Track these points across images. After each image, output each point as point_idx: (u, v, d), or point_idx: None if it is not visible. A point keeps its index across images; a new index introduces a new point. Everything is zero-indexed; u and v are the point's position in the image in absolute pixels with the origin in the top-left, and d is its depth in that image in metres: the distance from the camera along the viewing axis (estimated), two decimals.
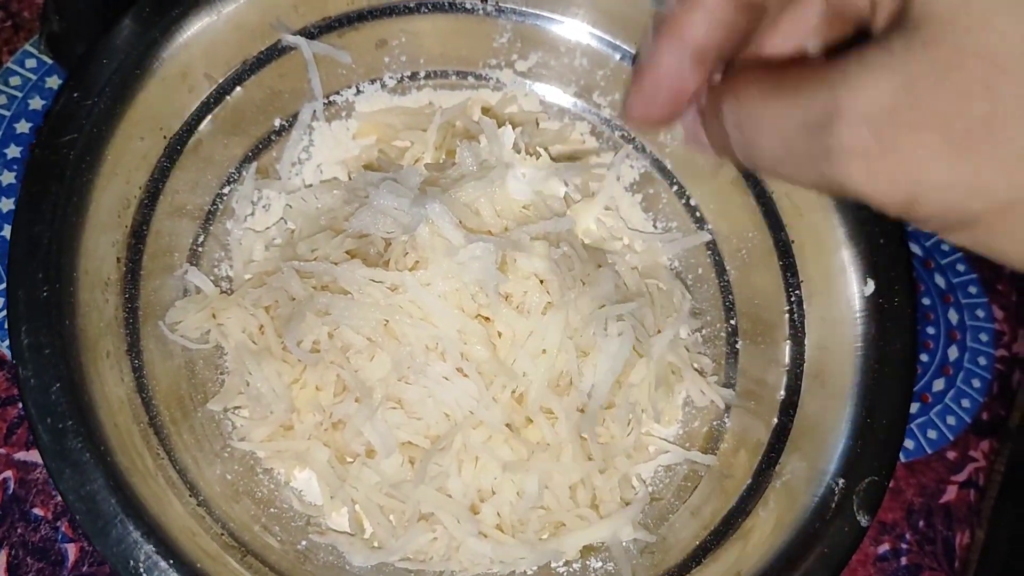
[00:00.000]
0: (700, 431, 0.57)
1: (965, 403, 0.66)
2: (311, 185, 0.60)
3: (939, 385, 0.67)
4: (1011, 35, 0.24)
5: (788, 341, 0.54)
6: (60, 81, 0.66)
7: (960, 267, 0.71)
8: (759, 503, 0.50)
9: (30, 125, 0.65)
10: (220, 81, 0.55)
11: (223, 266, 0.57)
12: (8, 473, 0.56)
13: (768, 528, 0.49)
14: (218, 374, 0.54)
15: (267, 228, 0.59)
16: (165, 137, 0.53)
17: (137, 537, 0.42)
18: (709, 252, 0.60)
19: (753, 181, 0.57)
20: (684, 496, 0.54)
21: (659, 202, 0.62)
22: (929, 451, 0.64)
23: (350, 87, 0.61)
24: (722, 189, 0.59)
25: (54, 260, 0.46)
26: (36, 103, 0.66)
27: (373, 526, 0.52)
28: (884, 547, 0.62)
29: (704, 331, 0.60)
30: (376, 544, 0.52)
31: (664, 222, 0.63)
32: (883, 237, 0.52)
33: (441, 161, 0.60)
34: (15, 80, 0.66)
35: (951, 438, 0.65)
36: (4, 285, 0.60)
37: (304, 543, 0.51)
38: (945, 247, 0.71)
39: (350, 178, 0.60)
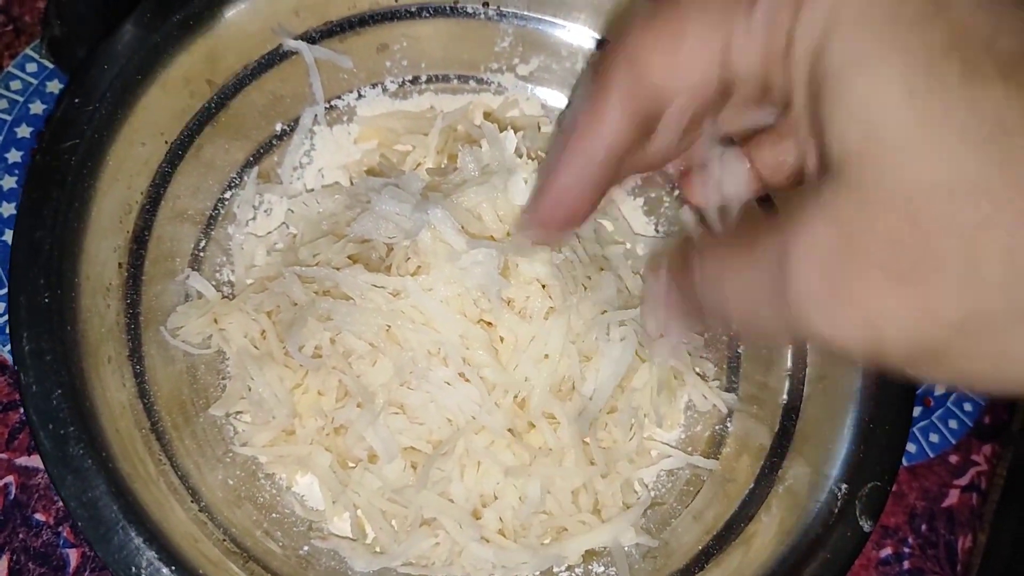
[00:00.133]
0: (702, 435, 0.57)
1: (967, 407, 0.66)
2: (312, 190, 0.60)
3: (941, 389, 0.67)
4: (918, 169, 0.25)
5: (790, 345, 0.54)
6: (61, 85, 0.66)
7: None
8: (761, 508, 0.50)
9: (31, 129, 0.65)
10: (221, 86, 0.55)
11: (225, 271, 0.57)
12: (9, 478, 0.56)
13: (771, 533, 0.49)
14: (220, 379, 0.54)
15: (269, 233, 0.59)
16: (166, 142, 0.53)
17: (139, 543, 0.42)
18: None
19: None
20: (686, 501, 0.54)
21: (661, 206, 0.62)
22: (931, 455, 0.64)
23: (351, 91, 0.61)
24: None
25: (55, 265, 0.46)
26: (37, 107, 0.66)
27: (375, 531, 0.52)
28: (886, 551, 0.62)
29: (706, 335, 0.60)
30: (378, 549, 0.52)
31: (666, 226, 0.62)
32: None
33: (443, 165, 0.60)
34: (16, 84, 0.66)
35: (953, 442, 0.65)
36: (5, 290, 0.60)
37: (306, 548, 0.51)
38: None
39: (352, 182, 0.60)
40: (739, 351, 0.58)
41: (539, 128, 0.63)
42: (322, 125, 0.60)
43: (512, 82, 0.62)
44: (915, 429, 0.65)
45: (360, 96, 0.61)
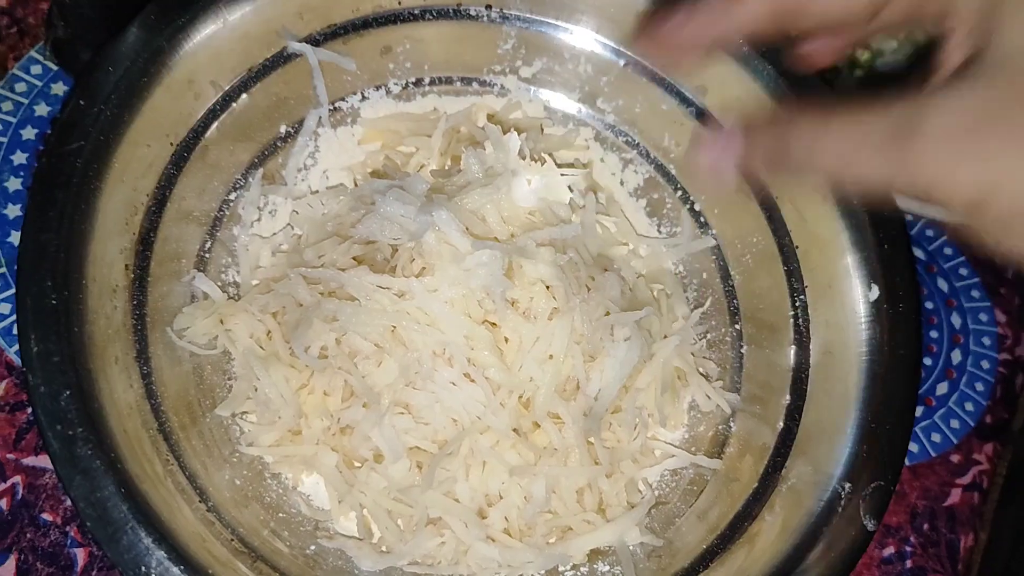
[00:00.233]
0: (706, 435, 0.57)
1: (968, 407, 0.66)
2: (317, 191, 0.61)
3: (942, 389, 0.67)
4: None
5: (793, 346, 0.55)
6: (66, 87, 0.66)
7: (963, 271, 0.71)
8: (765, 507, 0.51)
9: (36, 131, 0.65)
10: (226, 88, 0.55)
11: (230, 272, 0.57)
12: (17, 478, 0.56)
13: (774, 532, 0.49)
14: (226, 380, 0.55)
15: (274, 234, 0.59)
16: (172, 144, 0.53)
17: (148, 544, 0.42)
18: (714, 257, 0.60)
19: (757, 187, 0.57)
20: (690, 500, 0.55)
21: (663, 207, 0.63)
22: (933, 454, 0.65)
23: (355, 93, 0.61)
24: (726, 194, 0.59)
25: (62, 267, 0.46)
26: (42, 109, 0.66)
27: (381, 531, 0.52)
28: (888, 550, 0.62)
29: (709, 336, 0.60)
30: (384, 548, 0.52)
31: (669, 227, 0.63)
32: (887, 242, 0.52)
33: (446, 167, 0.60)
34: (21, 86, 0.66)
35: (955, 441, 0.65)
36: (12, 292, 0.60)
37: (313, 548, 0.51)
38: (948, 251, 0.71)
39: (356, 184, 0.61)
40: (742, 351, 0.58)
41: (542, 130, 0.63)
42: (326, 127, 0.61)
43: (515, 84, 0.63)
44: (917, 429, 0.65)
45: (364, 98, 0.61)
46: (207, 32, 0.53)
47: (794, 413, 0.53)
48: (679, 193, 0.62)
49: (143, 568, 0.42)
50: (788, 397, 0.54)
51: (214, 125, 0.55)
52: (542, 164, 0.57)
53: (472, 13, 0.59)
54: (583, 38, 0.60)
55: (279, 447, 0.53)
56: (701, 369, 0.58)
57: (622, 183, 0.64)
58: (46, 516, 0.55)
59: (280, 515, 0.52)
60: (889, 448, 0.49)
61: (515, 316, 0.51)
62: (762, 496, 0.51)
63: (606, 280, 0.54)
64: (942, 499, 0.64)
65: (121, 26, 0.51)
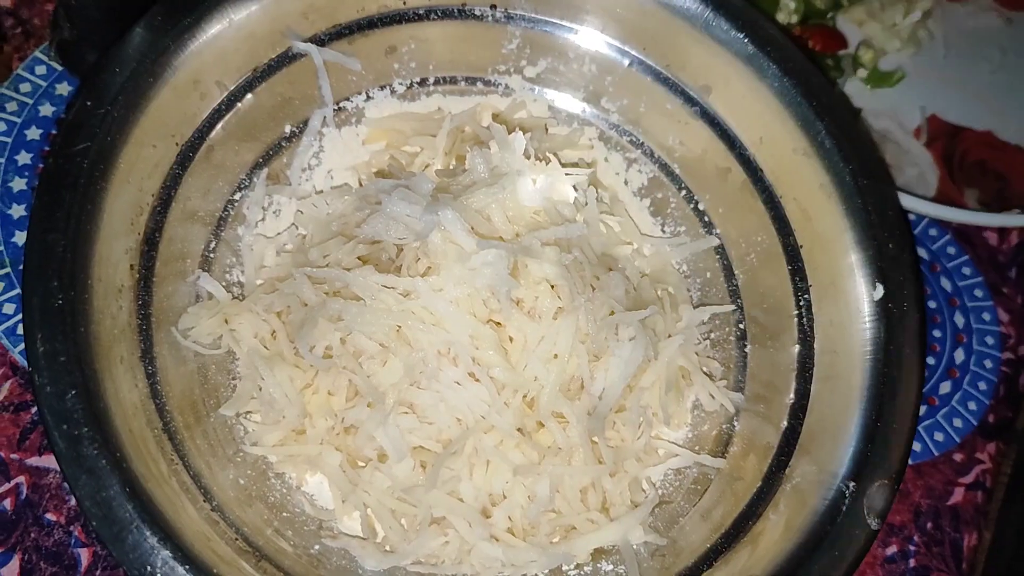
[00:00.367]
0: (709, 434, 0.57)
1: (972, 405, 0.66)
2: (322, 191, 0.61)
3: (946, 388, 0.67)
4: None
5: (797, 345, 0.55)
6: (70, 88, 0.67)
7: (966, 270, 0.71)
8: (769, 506, 0.51)
9: (40, 131, 0.65)
10: (231, 88, 0.55)
11: (235, 272, 0.57)
12: (21, 478, 0.56)
13: (778, 531, 0.49)
14: (230, 379, 0.55)
15: (278, 234, 0.59)
16: (177, 144, 0.53)
17: (153, 543, 0.42)
18: (718, 256, 0.60)
19: (761, 186, 0.57)
20: (694, 499, 0.55)
21: (667, 207, 0.63)
22: (936, 453, 0.65)
23: (360, 93, 0.61)
24: (730, 194, 0.59)
25: (68, 267, 0.46)
26: (46, 109, 0.66)
27: (385, 530, 0.52)
28: (892, 549, 0.62)
29: (713, 335, 0.60)
30: (388, 548, 0.52)
31: (673, 227, 0.63)
32: (891, 242, 0.52)
33: (451, 167, 0.60)
34: (26, 87, 0.66)
35: (958, 440, 0.65)
36: (17, 292, 0.60)
37: (317, 547, 0.51)
38: (951, 251, 0.71)
39: (361, 184, 0.61)
40: (746, 351, 0.58)
41: (546, 129, 0.63)
42: (331, 127, 0.61)
43: (519, 84, 0.63)
44: (920, 428, 0.65)
45: (368, 98, 0.62)
46: (212, 32, 0.53)
47: (798, 412, 0.53)
48: (683, 193, 0.62)
49: (148, 567, 0.42)
50: (792, 396, 0.54)
51: (219, 125, 0.55)
52: (547, 164, 0.57)
53: (477, 13, 0.59)
54: (588, 38, 0.60)
55: (283, 447, 0.53)
56: (705, 368, 0.58)
57: (626, 182, 0.64)
58: (50, 516, 0.56)
59: (284, 514, 0.52)
60: (893, 447, 0.49)
61: (520, 315, 0.51)
62: (766, 495, 0.51)
63: (611, 279, 0.54)
64: (945, 498, 0.64)
65: (126, 27, 0.51)
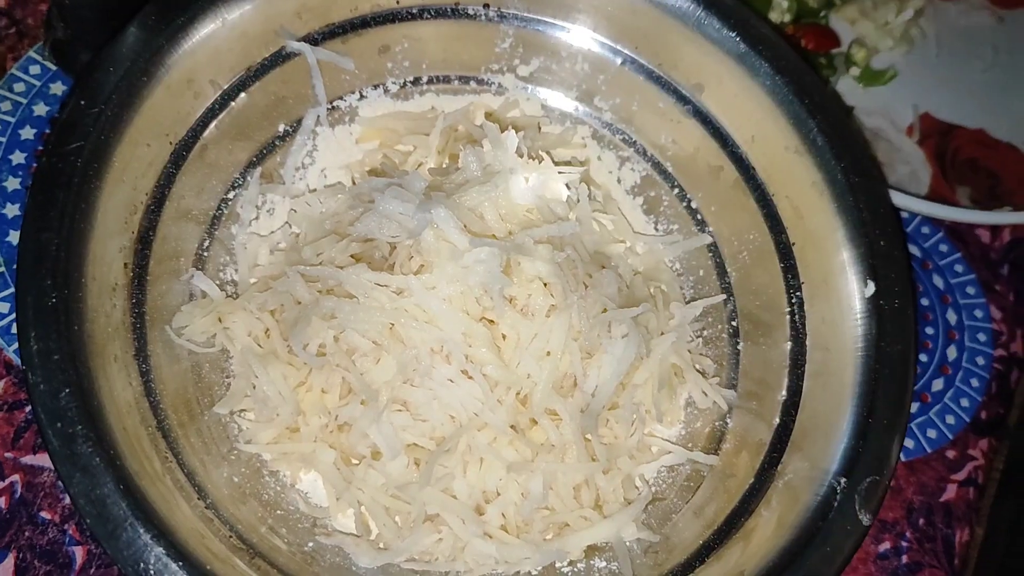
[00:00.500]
0: (702, 432, 0.57)
1: (964, 402, 0.67)
2: (315, 190, 0.61)
3: (938, 385, 0.67)
4: None
5: (789, 342, 0.55)
6: (64, 87, 0.67)
7: (958, 268, 0.71)
8: (761, 503, 0.51)
9: (34, 131, 0.65)
10: (225, 87, 0.55)
11: (228, 270, 0.58)
12: (15, 477, 0.56)
13: (771, 527, 0.49)
14: (224, 377, 0.55)
15: (272, 232, 0.59)
16: (171, 143, 0.53)
17: (147, 540, 0.42)
18: (710, 254, 0.61)
19: (753, 184, 0.57)
20: (687, 496, 0.55)
21: (660, 205, 0.63)
22: (929, 450, 0.65)
23: (353, 92, 0.61)
24: (723, 192, 0.59)
25: (62, 266, 0.46)
26: (40, 109, 0.66)
27: (379, 527, 0.52)
28: (885, 545, 0.62)
29: (706, 332, 0.60)
30: (382, 545, 0.52)
31: (665, 225, 0.63)
32: (883, 239, 0.53)
33: (444, 165, 0.60)
34: (19, 86, 0.67)
35: (950, 437, 0.66)
36: (11, 291, 0.60)
37: (311, 544, 0.51)
38: (944, 248, 0.72)
39: (354, 182, 0.61)
40: (739, 348, 0.58)
41: (539, 128, 0.64)
42: (324, 126, 0.61)
43: (512, 83, 0.63)
44: (912, 425, 0.65)
45: (362, 97, 0.62)
46: (206, 31, 0.53)
47: (790, 409, 0.53)
48: (676, 191, 0.62)
49: (142, 565, 0.42)
50: (784, 393, 0.54)
51: (213, 124, 0.55)
52: (539, 162, 0.57)
53: (470, 12, 0.60)
54: (580, 36, 0.60)
55: (277, 444, 0.53)
56: (698, 366, 0.58)
57: (619, 181, 0.64)
58: (44, 514, 0.56)
59: (278, 512, 0.52)
60: (885, 443, 0.49)
61: (513, 313, 0.51)
62: (758, 492, 0.51)
63: (603, 277, 0.55)
64: (938, 494, 0.64)
65: (120, 26, 0.52)
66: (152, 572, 0.42)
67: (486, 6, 0.59)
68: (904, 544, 0.62)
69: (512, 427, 0.51)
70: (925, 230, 0.72)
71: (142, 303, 0.51)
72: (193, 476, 0.49)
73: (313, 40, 0.57)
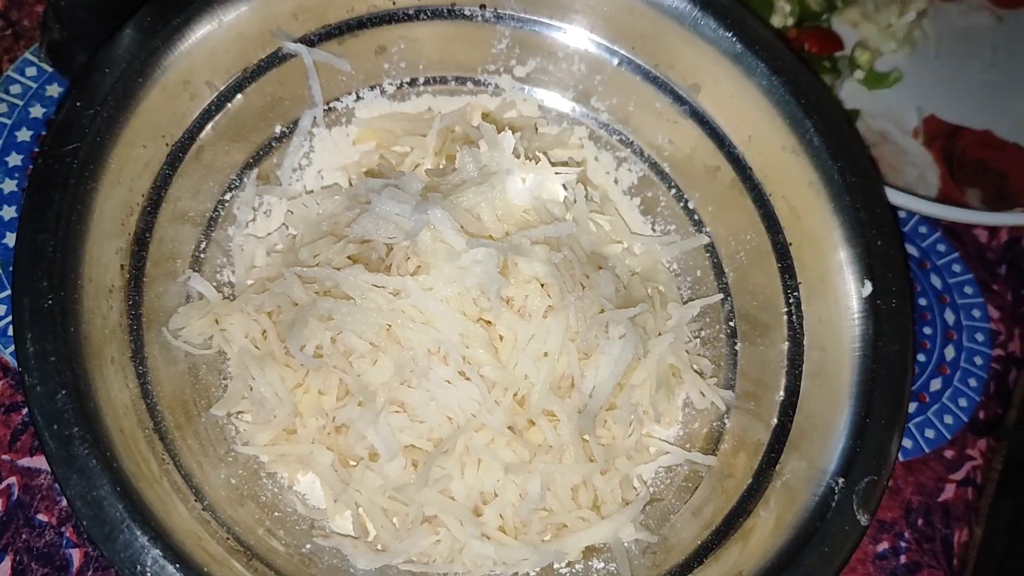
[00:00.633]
0: (700, 432, 0.57)
1: (962, 402, 0.67)
2: (312, 191, 0.61)
3: (936, 385, 0.67)
4: None
5: (787, 342, 0.55)
6: (60, 89, 0.67)
7: (956, 268, 0.71)
8: (760, 503, 0.51)
9: (31, 133, 0.65)
10: (221, 88, 0.55)
11: (225, 272, 0.57)
12: (12, 479, 0.56)
13: (769, 528, 0.49)
14: (221, 379, 0.55)
15: (269, 234, 0.59)
16: (167, 144, 0.53)
17: (144, 542, 0.42)
18: (708, 254, 0.61)
19: (750, 184, 0.57)
20: (685, 497, 0.55)
21: (657, 205, 0.63)
22: (927, 450, 0.65)
23: (350, 93, 0.61)
24: (720, 192, 0.59)
25: (58, 268, 0.46)
26: (37, 111, 0.66)
27: (376, 529, 0.52)
28: (883, 545, 0.62)
29: (703, 333, 0.60)
30: (380, 547, 0.52)
31: (663, 225, 0.63)
32: (880, 239, 0.53)
33: (441, 166, 0.60)
34: (16, 88, 0.66)
35: (949, 437, 0.66)
36: (8, 293, 0.60)
37: (308, 546, 0.51)
38: (941, 248, 0.72)
39: (351, 183, 0.61)
40: (736, 348, 0.58)
41: (536, 129, 0.64)
42: (321, 127, 0.61)
43: (509, 83, 0.63)
44: (911, 425, 0.65)
45: (358, 98, 0.62)
46: (202, 33, 0.53)
47: (788, 409, 0.53)
48: (673, 191, 0.62)
49: (139, 567, 0.42)
50: (782, 393, 0.54)
51: (209, 125, 0.55)
52: (536, 163, 0.57)
53: (466, 13, 0.60)
54: (577, 37, 0.60)
55: (274, 446, 0.53)
56: (695, 366, 0.58)
57: (616, 181, 0.64)
58: (41, 517, 0.56)
59: (276, 514, 0.52)
60: (882, 443, 0.49)
61: (510, 314, 0.51)
62: (756, 492, 0.51)
63: (600, 278, 0.55)
64: (936, 494, 0.64)
65: (116, 28, 0.51)
66: (149, 574, 0.42)
67: (482, 7, 0.59)
68: (902, 544, 0.62)
69: (510, 428, 0.51)
70: (923, 230, 0.72)
71: (139, 305, 0.51)
72: (190, 478, 0.49)
73: (309, 41, 0.57)
